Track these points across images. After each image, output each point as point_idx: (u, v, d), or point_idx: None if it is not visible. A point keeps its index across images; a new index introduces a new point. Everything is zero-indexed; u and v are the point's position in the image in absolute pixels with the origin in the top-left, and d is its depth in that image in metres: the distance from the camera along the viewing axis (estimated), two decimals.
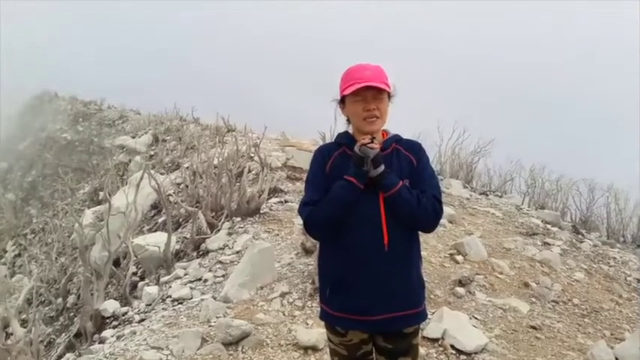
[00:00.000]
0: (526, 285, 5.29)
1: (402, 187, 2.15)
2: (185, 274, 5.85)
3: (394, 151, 2.27)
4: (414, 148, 2.31)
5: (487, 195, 10.07)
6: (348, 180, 2.15)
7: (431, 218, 2.20)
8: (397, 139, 2.32)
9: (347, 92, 2.17)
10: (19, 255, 14.83)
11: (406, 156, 2.27)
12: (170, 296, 5.26)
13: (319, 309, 2.39)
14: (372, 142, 2.16)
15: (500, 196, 10.44)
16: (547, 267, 5.80)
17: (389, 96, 2.24)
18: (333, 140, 2.41)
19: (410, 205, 2.15)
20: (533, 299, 5.05)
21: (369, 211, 2.17)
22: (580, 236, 7.58)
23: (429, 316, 4.28)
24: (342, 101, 2.28)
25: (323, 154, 2.32)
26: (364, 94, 2.17)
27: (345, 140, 2.31)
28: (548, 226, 7.66)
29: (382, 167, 2.14)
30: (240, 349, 3.95)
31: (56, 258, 10.27)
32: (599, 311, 4.99)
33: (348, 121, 2.32)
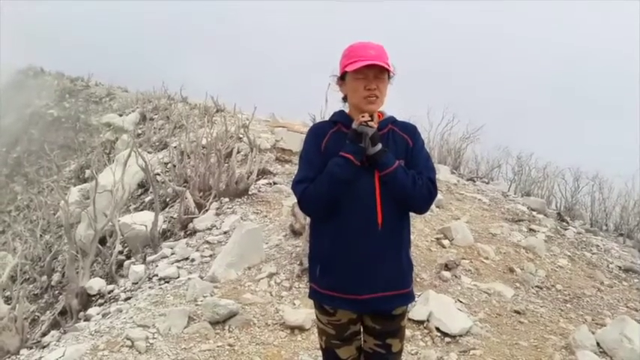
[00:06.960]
0: (511, 270, 5.35)
1: (399, 167, 2.15)
2: (172, 254, 5.83)
3: (390, 131, 2.26)
4: (410, 129, 2.31)
5: (474, 181, 10.11)
6: (344, 157, 2.12)
7: (425, 199, 2.20)
8: (393, 120, 2.31)
9: (350, 69, 2.14)
10: (2, 232, 14.68)
11: (402, 137, 2.27)
12: (157, 275, 5.24)
13: (308, 289, 2.38)
14: (372, 120, 2.16)
15: (487, 183, 10.49)
16: (532, 253, 5.87)
17: (389, 77, 2.21)
18: (328, 119, 2.37)
19: (405, 185, 2.14)
20: (518, 284, 5.11)
21: (364, 189, 2.16)
22: (564, 223, 7.65)
23: (415, 299, 4.32)
24: (342, 78, 2.25)
25: (318, 133, 2.29)
26: (366, 73, 2.14)
27: (340, 118, 2.28)
28: (534, 213, 7.73)
29: (380, 145, 2.14)
30: (227, 328, 3.97)
31: (41, 235, 10.21)
32: (582, 297, 5.07)
33: (344, 99, 2.30)
